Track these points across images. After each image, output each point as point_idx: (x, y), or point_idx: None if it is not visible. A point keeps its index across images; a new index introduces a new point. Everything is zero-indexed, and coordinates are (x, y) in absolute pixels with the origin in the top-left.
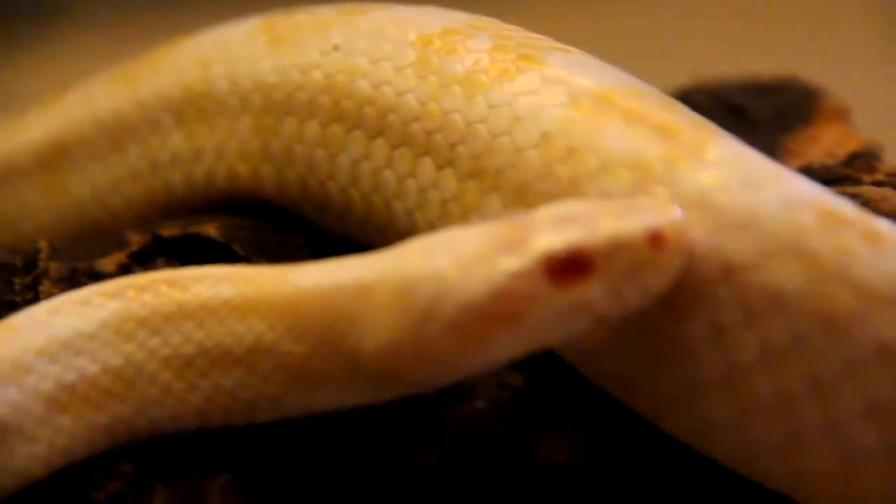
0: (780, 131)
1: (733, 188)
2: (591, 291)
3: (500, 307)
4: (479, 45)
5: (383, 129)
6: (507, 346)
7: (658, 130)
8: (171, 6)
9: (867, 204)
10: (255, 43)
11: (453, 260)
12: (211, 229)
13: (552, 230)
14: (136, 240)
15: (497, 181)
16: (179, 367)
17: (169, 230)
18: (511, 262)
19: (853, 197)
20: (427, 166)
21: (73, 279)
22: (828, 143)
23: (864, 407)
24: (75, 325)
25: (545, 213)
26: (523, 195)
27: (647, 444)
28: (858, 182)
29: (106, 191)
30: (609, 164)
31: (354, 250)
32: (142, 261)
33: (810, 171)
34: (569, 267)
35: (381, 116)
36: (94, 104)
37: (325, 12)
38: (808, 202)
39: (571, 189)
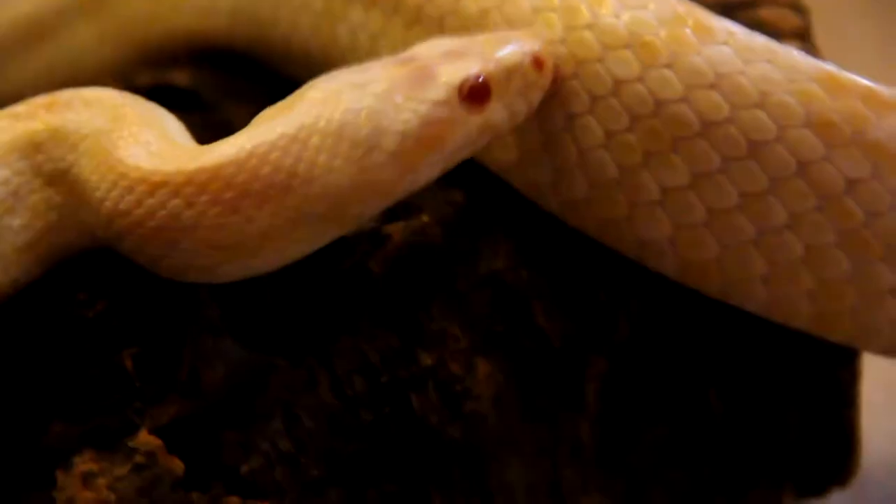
0: None
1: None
2: (494, 112)
3: (429, 133)
4: None
5: None
6: (431, 168)
7: None
8: None
9: (766, 25)
10: None
11: (376, 98)
12: (181, 77)
13: (451, 64)
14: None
15: None
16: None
17: (142, 79)
18: (433, 93)
19: (752, 21)
20: None
21: None
22: None
23: None
24: None
25: (429, 51)
26: None
27: (575, 246)
28: (756, 6)
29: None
30: None
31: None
32: None
33: (715, 3)
34: (475, 92)
35: None
36: None
37: None
38: None
39: None
